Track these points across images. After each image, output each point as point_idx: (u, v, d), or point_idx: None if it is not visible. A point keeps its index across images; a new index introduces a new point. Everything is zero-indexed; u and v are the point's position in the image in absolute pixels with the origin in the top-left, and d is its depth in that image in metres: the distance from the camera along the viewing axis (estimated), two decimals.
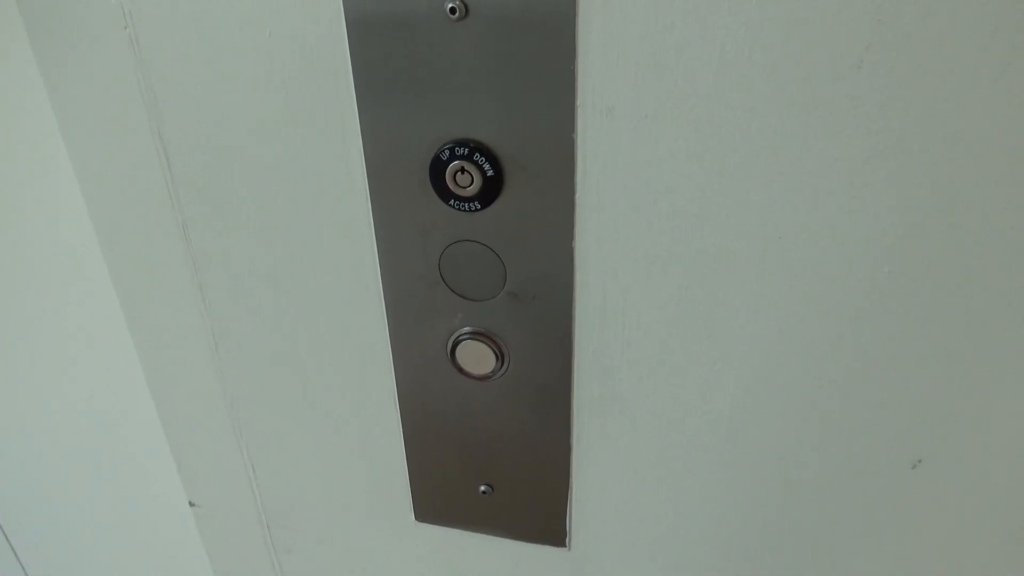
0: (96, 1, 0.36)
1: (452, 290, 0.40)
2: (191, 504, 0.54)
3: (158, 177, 0.41)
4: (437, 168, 0.36)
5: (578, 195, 0.36)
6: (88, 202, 0.43)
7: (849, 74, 0.30)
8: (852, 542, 0.42)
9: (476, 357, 0.42)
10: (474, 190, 0.36)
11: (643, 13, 0.31)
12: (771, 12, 0.30)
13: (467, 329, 0.41)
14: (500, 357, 0.41)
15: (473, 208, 0.37)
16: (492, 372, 0.42)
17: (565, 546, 0.48)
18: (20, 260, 0.52)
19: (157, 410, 0.51)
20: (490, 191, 0.36)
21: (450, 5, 0.32)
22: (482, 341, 0.41)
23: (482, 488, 0.47)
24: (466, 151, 0.35)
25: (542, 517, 0.47)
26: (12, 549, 0.72)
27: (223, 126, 0.39)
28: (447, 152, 0.36)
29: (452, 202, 0.37)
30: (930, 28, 0.28)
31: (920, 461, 0.38)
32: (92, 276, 0.49)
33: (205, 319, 0.46)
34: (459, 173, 0.36)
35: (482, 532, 0.49)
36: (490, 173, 0.36)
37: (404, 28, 0.33)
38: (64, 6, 0.37)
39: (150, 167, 0.41)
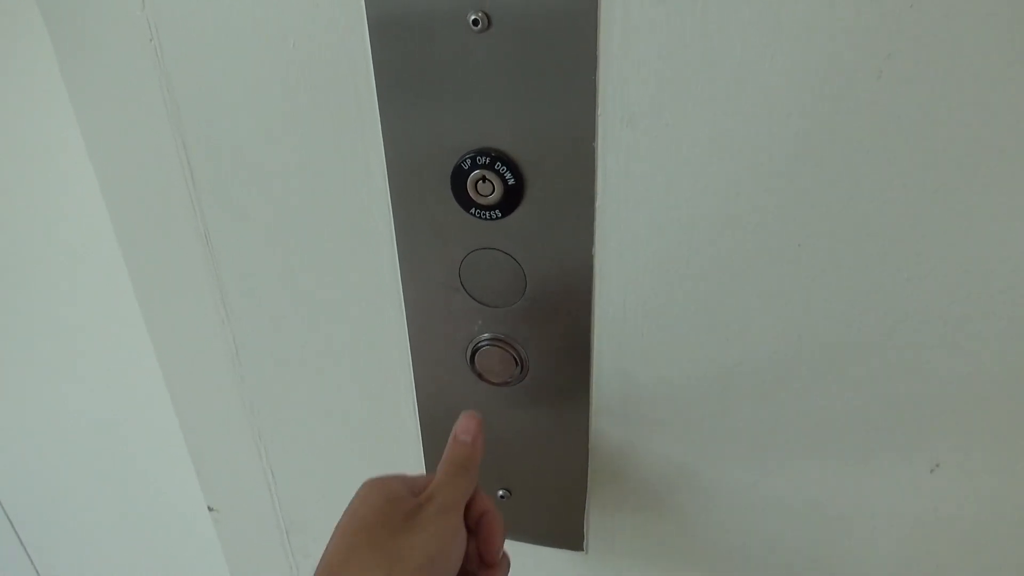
0: (122, 13, 0.37)
1: (472, 297, 0.40)
2: (210, 509, 0.55)
3: (180, 185, 0.41)
4: (459, 177, 0.36)
5: (598, 203, 0.36)
6: (111, 211, 0.44)
7: (870, 83, 0.30)
8: (859, 550, 0.42)
9: (495, 363, 0.42)
10: (495, 198, 0.36)
11: (663, 25, 0.31)
12: (788, 22, 0.30)
13: (487, 336, 0.41)
14: (519, 364, 0.41)
15: (494, 216, 0.37)
16: (511, 378, 0.42)
17: (583, 550, 0.48)
18: (48, 269, 0.53)
19: (177, 416, 0.51)
20: (511, 200, 0.36)
21: (473, 17, 0.32)
22: (501, 348, 0.41)
23: (500, 492, 0.47)
24: (487, 160, 0.36)
25: (560, 521, 0.47)
26: (28, 557, 0.73)
27: (245, 135, 0.39)
28: (468, 161, 0.36)
29: (473, 210, 0.37)
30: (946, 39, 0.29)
31: (938, 465, 0.38)
32: (116, 283, 0.50)
33: (226, 325, 0.46)
34: (480, 182, 0.36)
35: None
36: (511, 182, 0.36)
37: (427, 38, 0.34)
38: (90, 17, 0.38)
39: (173, 175, 0.41)
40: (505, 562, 0.37)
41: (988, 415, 0.36)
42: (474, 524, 0.35)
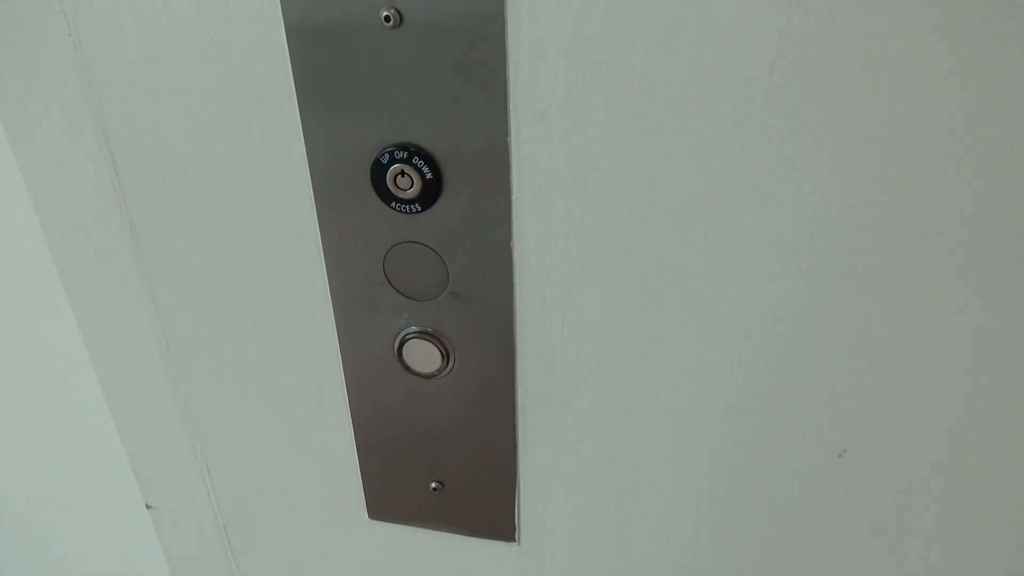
0: (42, 9, 0.37)
1: (397, 290, 0.41)
2: (148, 507, 0.55)
3: (106, 181, 0.42)
4: (378, 171, 0.37)
5: (514, 196, 0.37)
6: (37, 206, 0.44)
7: (761, 78, 0.31)
8: (794, 533, 0.43)
9: (422, 355, 0.43)
10: (414, 192, 0.37)
11: (568, 22, 0.32)
12: (687, 18, 0.31)
13: (413, 328, 0.42)
14: (445, 355, 0.42)
15: (414, 210, 0.38)
16: (438, 370, 0.43)
17: (515, 541, 0.49)
18: None
19: (111, 413, 0.51)
20: (430, 193, 0.37)
21: (384, 13, 0.33)
22: (428, 340, 0.42)
23: (432, 485, 0.48)
24: (405, 155, 0.36)
25: (491, 513, 0.48)
26: None
27: (168, 131, 0.39)
28: (387, 156, 0.37)
29: (394, 204, 0.38)
30: (836, 34, 0.30)
31: (845, 451, 0.40)
32: (45, 280, 0.49)
33: (156, 322, 0.46)
34: (399, 176, 0.37)
35: (434, 528, 0.50)
36: (429, 176, 0.37)
37: (342, 36, 0.34)
38: (10, 15, 0.38)
39: (98, 171, 0.41)
40: None
41: None
42: None
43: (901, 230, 0.34)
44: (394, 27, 0.34)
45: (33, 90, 0.40)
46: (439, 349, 0.42)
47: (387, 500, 0.49)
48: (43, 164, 0.42)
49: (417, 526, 0.50)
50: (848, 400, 0.38)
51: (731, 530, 0.44)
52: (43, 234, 0.45)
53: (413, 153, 0.36)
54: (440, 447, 0.46)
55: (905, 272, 0.34)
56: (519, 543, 0.49)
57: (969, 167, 0.32)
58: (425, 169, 0.36)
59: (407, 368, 0.43)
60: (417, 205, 0.38)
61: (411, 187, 0.37)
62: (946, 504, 0.40)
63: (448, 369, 0.43)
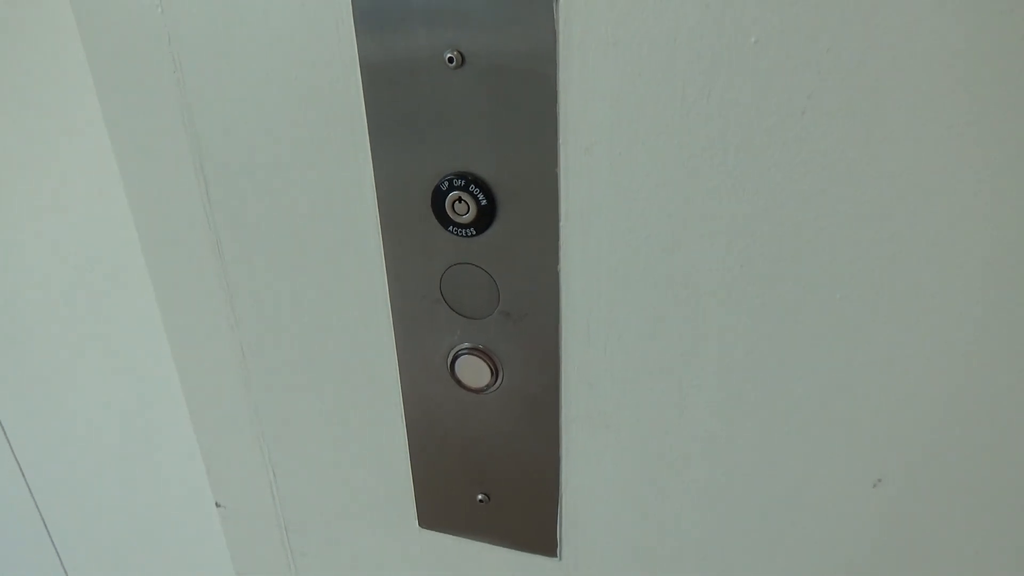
0: (152, 51, 0.42)
1: (452, 308, 0.44)
2: (217, 505, 0.59)
3: (198, 203, 0.46)
4: (438, 198, 0.41)
5: (562, 223, 0.40)
6: (137, 222, 0.49)
7: (794, 119, 0.34)
8: (842, 554, 0.44)
9: (473, 371, 0.45)
10: (470, 218, 0.40)
11: (613, 67, 0.35)
12: (723, 64, 0.34)
13: (465, 345, 0.45)
14: (495, 371, 0.45)
15: (469, 234, 0.41)
16: (487, 385, 0.46)
17: (556, 556, 0.50)
18: (73, 274, 0.58)
19: (191, 416, 0.56)
20: (484, 219, 0.40)
21: (448, 55, 0.37)
22: (478, 356, 0.45)
23: (479, 497, 0.50)
24: (463, 182, 0.40)
25: (534, 527, 0.50)
26: (53, 543, 0.77)
27: (255, 160, 0.44)
28: (446, 183, 0.40)
29: (451, 228, 0.41)
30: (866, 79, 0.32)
31: (880, 480, 0.40)
32: (139, 290, 0.55)
33: (235, 332, 0.51)
34: (457, 202, 0.40)
35: (479, 540, 0.52)
36: (484, 202, 0.40)
37: (410, 75, 0.38)
38: (124, 55, 0.43)
39: (191, 194, 0.46)
40: None
41: None
42: None
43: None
44: (456, 67, 0.37)
45: (141, 123, 0.45)
46: (489, 365, 0.45)
47: (436, 510, 0.52)
48: (145, 185, 0.47)
49: (463, 536, 0.52)
50: (882, 427, 0.39)
51: (768, 549, 0.45)
52: (141, 248, 0.50)
53: (470, 181, 0.40)
54: (487, 460, 0.49)
55: None
56: (560, 559, 0.51)
57: None
58: (481, 196, 0.40)
59: (458, 382, 0.46)
60: (472, 229, 0.41)
61: (467, 212, 0.40)
62: None
63: (497, 385, 0.46)
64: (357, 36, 0.38)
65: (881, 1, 0.31)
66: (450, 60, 0.37)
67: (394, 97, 0.39)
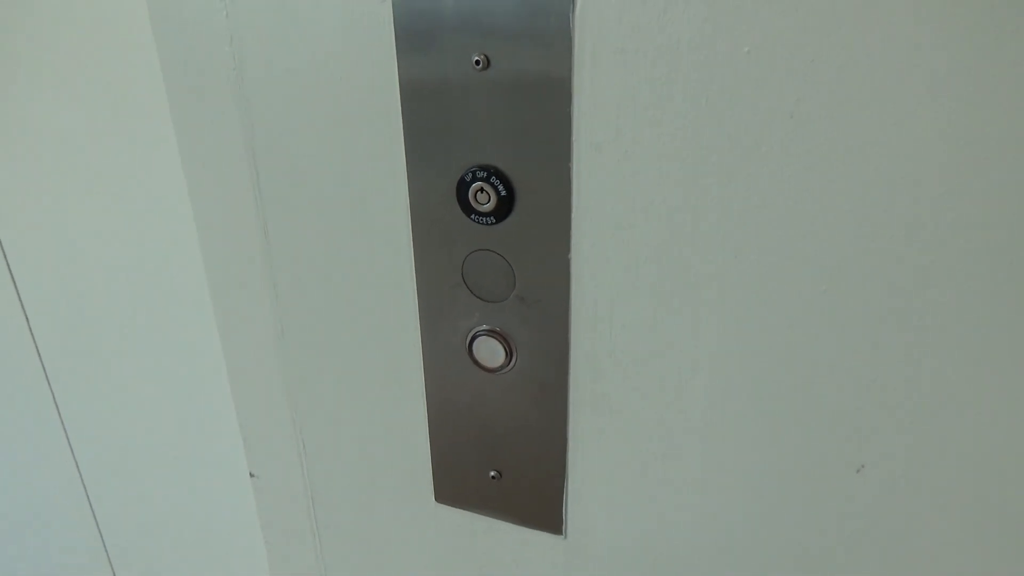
0: (221, 74, 0.48)
1: (472, 292, 0.48)
2: (251, 475, 0.63)
3: (249, 198, 0.51)
4: (462, 187, 0.45)
5: (574, 214, 0.44)
6: (196, 216, 0.54)
7: (782, 122, 0.37)
8: (831, 536, 0.46)
9: (489, 351, 0.49)
10: (490, 207, 0.45)
11: (621, 74, 0.39)
12: (718, 73, 0.37)
13: (483, 326, 0.49)
14: (509, 352, 0.49)
15: (490, 222, 0.45)
16: (502, 366, 0.49)
17: (561, 534, 0.54)
18: (132, 263, 0.64)
19: (231, 388, 0.60)
20: (503, 208, 0.45)
21: (476, 58, 0.41)
22: (495, 338, 0.49)
23: (492, 473, 0.54)
24: (485, 174, 0.44)
25: (542, 505, 0.53)
26: (91, 507, 0.83)
27: (302, 158, 0.49)
28: (470, 174, 0.44)
29: (473, 216, 0.45)
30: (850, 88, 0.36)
31: (863, 466, 0.43)
32: (190, 272, 0.60)
33: (276, 310, 0.55)
34: (479, 192, 0.45)
35: (490, 516, 0.55)
36: (503, 193, 0.44)
37: (440, 75, 0.43)
38: (195, 72, 0.49)
39: (243, 183, 0.51)
40: None
41: None
42: None
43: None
44: (482, 69, 0.42)
45: (207, 134, 0.50)
46: (504, 347, 0.49)
47: (452, 485, 0.56)
48: (203, 178, 0.53)
49: (476, 512, 0.56)
50: (866, 414, 0.42)
51: (761, 530, 0.48)
52: (197, 233, 0.55)
53: (492, 173, 0.44)
54: (500, 438, 0.52)
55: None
56: (566, 537, 0.54)
57: None
58: (501, 187, 0.44)
59: (476, 362, 0.50)
60: (492, 218, 0.45)
61: (488, 202, 0.45)
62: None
63: (511, 365, 0.49)
64: (396, 40, 0.43)
65: (861, 17, 0.34)
66: (477, 63, 0.41)
67: (427, 96, 0.44)
